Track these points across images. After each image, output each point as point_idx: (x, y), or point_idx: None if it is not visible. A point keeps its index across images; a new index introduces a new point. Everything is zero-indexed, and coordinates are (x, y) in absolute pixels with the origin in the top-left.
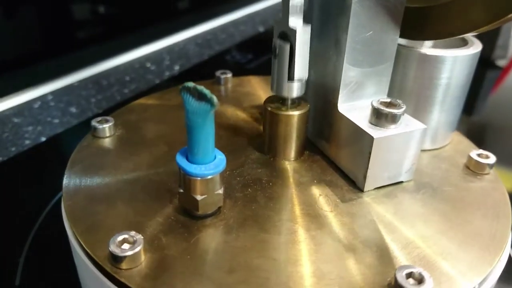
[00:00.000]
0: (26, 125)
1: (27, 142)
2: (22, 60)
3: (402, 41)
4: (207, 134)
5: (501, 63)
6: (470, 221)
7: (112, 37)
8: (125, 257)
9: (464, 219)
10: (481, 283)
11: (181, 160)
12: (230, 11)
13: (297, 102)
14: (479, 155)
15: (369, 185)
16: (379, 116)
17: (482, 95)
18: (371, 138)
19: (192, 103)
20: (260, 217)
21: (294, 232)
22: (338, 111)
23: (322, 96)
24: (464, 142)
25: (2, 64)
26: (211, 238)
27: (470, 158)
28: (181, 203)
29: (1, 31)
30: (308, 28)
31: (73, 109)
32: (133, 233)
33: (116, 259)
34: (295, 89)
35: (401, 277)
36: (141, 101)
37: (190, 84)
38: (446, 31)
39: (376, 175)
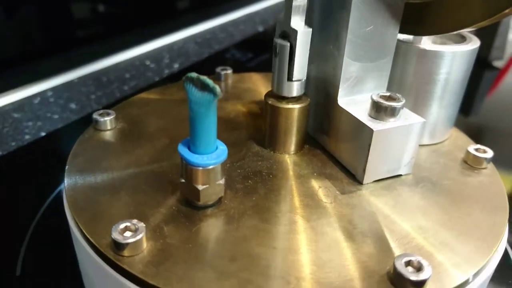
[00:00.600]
0: (26, 120)
1: (27, 137)
2: (22, 56)
3: (402, 36)
4: (209, 124)
5: (498, 64)
6: (468, 213)
7: (112, 35)
8: (127, 244)
9: (463, 211)
10: (479, 271)
11: (183, 150)
12: (230, 10)
13: (297, 96)
14: (477, 149)
15: (368, 177)
16: (378, 110)
17: (479, 96)
18: (371, 131)
19: (195, 93)
20: (260, 208)
21: (294, 222)
22: (338, 105)
23: (322, 90)
24: (462, 138)
25: (2, 60)
26: (213, 227)
27: (468, 152)
28: (183, 193)
29: (2, 27)
30: (309, 30)
31: (73, 105)
32: (135, 221)
33: (118, 247)
34: (294, 89)
35: (400, 265)
36: (142, 95)
37: (193, 74)
38: (445, 26)
39: (375, 168)
